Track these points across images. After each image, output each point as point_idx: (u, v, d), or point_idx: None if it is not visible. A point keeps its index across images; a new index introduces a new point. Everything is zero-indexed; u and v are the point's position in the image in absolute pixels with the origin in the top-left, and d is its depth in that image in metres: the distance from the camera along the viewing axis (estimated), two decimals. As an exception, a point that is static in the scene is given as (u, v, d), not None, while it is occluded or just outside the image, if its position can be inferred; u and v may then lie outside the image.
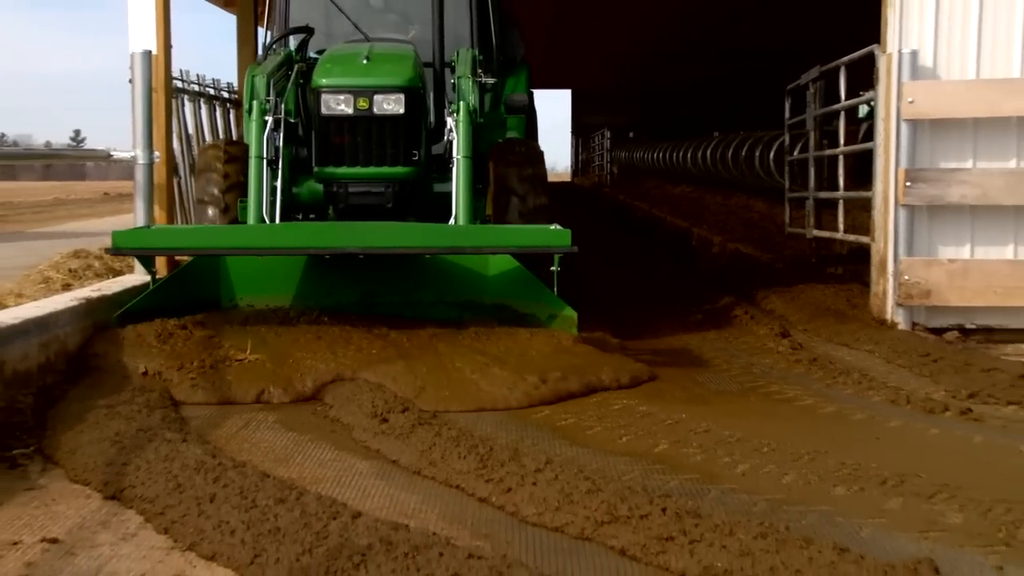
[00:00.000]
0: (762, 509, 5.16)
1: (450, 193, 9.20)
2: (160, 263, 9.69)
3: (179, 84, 11.66)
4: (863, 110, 11.59)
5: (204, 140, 13.34)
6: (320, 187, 9.67)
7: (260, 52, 10.93)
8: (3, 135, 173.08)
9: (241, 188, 9.11)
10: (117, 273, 11.03)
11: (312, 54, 10.24)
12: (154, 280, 8.55)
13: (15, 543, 4.69)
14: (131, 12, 9.67)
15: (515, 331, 8.43)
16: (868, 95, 10.80)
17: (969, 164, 9.94)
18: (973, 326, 9.91)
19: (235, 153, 9.64)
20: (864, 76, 10.98)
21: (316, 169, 9.36)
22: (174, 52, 10.08)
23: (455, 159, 8.89)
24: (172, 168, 10.15)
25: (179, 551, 4.60)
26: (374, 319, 8.53)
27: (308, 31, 9.97)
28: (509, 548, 4.63)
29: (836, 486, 5.52)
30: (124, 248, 8.11)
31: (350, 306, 8.73)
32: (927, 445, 6.43)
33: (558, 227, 8.30)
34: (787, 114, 15.79)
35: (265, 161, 8.68)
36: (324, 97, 8.99)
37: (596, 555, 4.62)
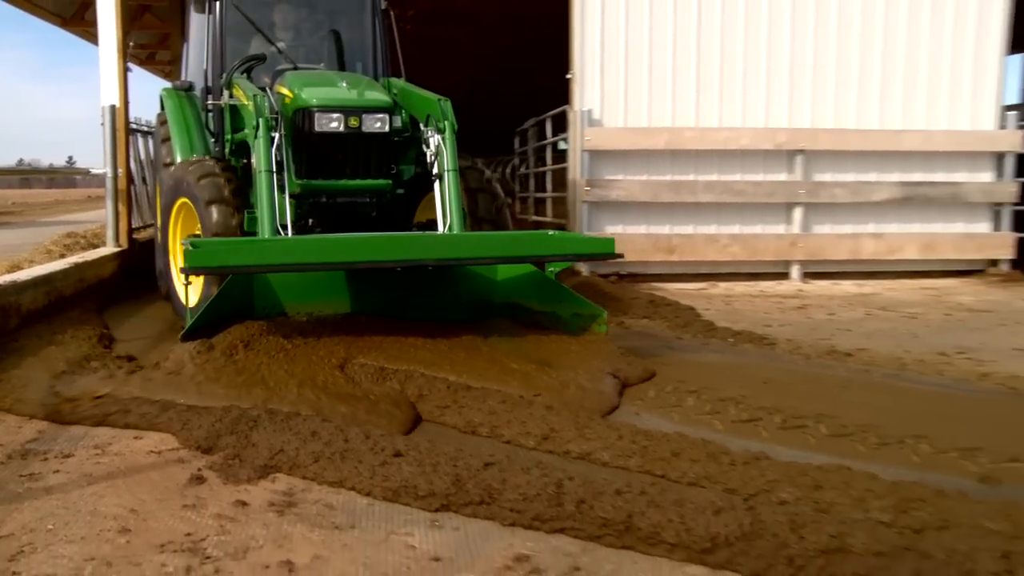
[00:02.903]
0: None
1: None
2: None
3: (134, 126, 11.05)
4: (561, 144, 11.70)
5: (150, 163, 11.82)
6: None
7: (191, 78, 8.28)
8: (21, 159, 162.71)
9: (242, 193, 6.44)
10: (96, 247, 10.46)
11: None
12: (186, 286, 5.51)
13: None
14: (103, 80, 9.20)
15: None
16: (563, 135, 10.92)
17: (621, 177, 10.15)
18: (625, 273, 10.16)
19: (222, 165, 6.81)
20: (561, 124, 11.10)
21: (303, 181, 6.45)
22: (131, 106, 9.60)
23: (445, 172, 6.39)
24: (129, 179, 9.62)
25: (138, 423, 4.43)
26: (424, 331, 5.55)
27: (262, 59, 7.25)
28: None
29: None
30: (200, 267, 5.03)
31: (375, 310, 5.88)
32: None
33: (568, 233, 6.36)
34: (517, 146, 15.92)
35: (274, 175, 6.06)
36: (317, 116, 6.37)
37: (401, 416, 4.56)
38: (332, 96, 6.49)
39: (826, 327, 7.30)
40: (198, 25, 8.03)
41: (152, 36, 18.02)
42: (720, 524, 3.09)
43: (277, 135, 6.18)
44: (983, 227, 10.73)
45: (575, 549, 3.11)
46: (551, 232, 6.34)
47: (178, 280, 6.70)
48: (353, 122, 6.41)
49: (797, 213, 10.32)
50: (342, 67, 7.72)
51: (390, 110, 6.55)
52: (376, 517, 3.37)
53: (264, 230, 5.94)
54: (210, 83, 7.47)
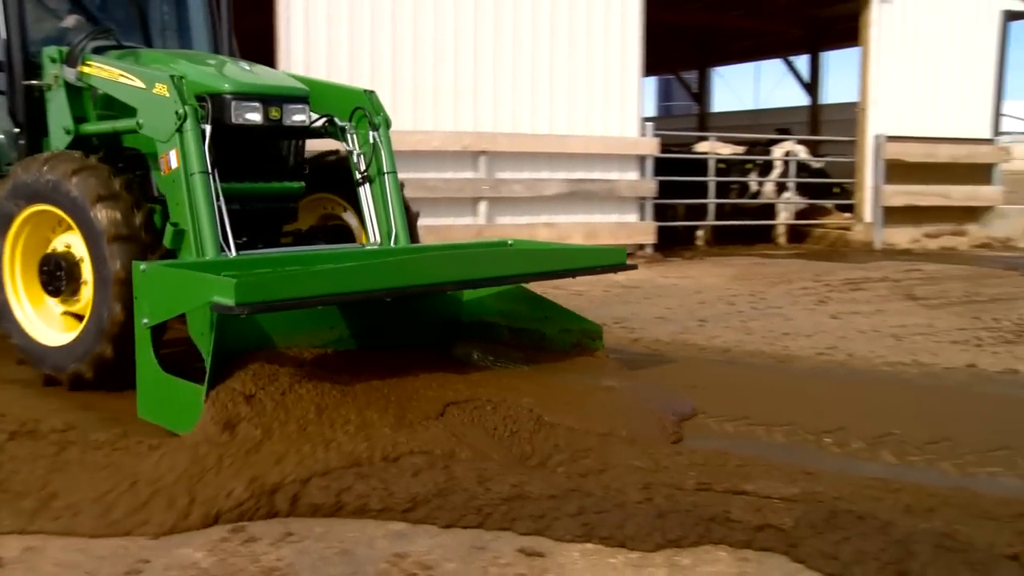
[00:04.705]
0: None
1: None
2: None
3: None
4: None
5: None
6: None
7: None
8: None
9: (150, 221, 4.61)
10: None
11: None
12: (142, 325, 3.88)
13: None
14: None
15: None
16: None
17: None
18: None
19: (110, 170, 4.59)
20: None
21: None
22: None
23: (383, 174, 5.13)
24: None
25: None
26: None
27: (112, 30, 5.37)
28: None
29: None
30: (255, 302, 3.42)
31: (355, 338, 4.42)
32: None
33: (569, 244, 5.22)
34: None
35: (210, 177, 4.43)
36: (234, 105, 4.64)
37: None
38: (249, 81, 4.85)
39: (508, 305, 7.61)
40: None
41: None
42: (419, 485, 3.15)
43: (208, 127, 4.48)
44: (632, 217, 11.68)
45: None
46: (509, 241, 5.38)
47: (33, 316, 4.77)
48: (274, 113, 4.81)
49: (482, 207, 10.68)
50: (149, 45, 5.80)
51: (308, 100, 5.05)
52: (90, 506, 3.12)
53: (206, 248, 4.31)
54: (12, 58, 5.26)
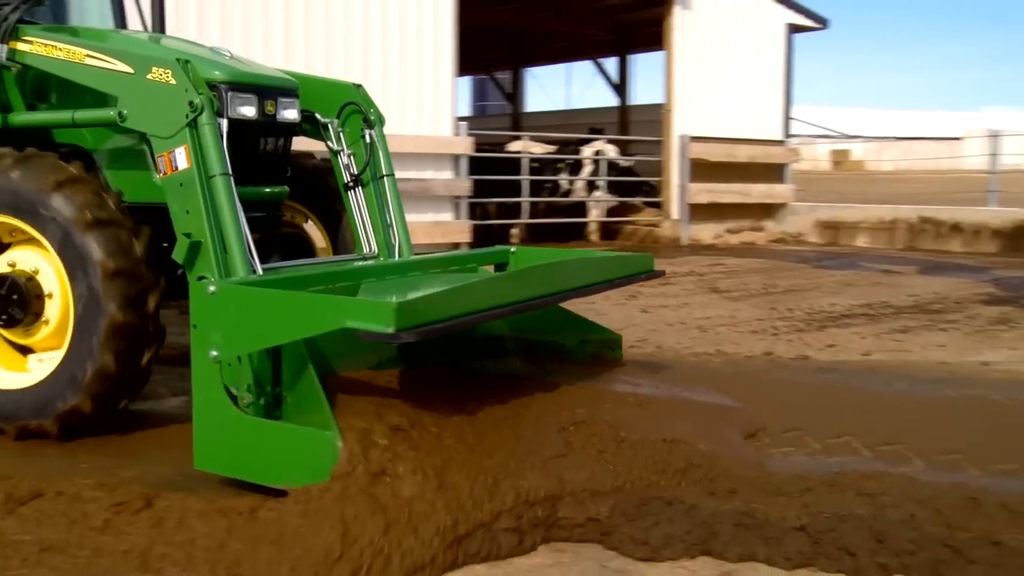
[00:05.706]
0: None
1: None
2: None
3: None
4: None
5: None
6: None
7: None
8: None
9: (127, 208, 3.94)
10: None
11: None
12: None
13: None
14: None
15: None
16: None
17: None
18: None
19: (100, 184, 4.06)
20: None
21: None
22: None
23: (381, 177, 4.68)
24: None
25: None
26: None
27: (41, 2, 4.47)
28: None
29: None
30: (417, 326, 2.82)
31: (392, 360, 3.81)
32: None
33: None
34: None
35: (231, 179, 3.76)
36: (230, 97, 3.96)
37: None
38: (243, 70, 4.17)
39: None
40: None
41: None
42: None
43: (225, 122, 3.86)
44: (447, 216, 11.77)
45: None
46: (512, 248, 4.82)
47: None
48: (269, 108, 4.21)
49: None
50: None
51: (298, 94, 4.45)
52: None
53: (234, 263, 3.64)
54: None
